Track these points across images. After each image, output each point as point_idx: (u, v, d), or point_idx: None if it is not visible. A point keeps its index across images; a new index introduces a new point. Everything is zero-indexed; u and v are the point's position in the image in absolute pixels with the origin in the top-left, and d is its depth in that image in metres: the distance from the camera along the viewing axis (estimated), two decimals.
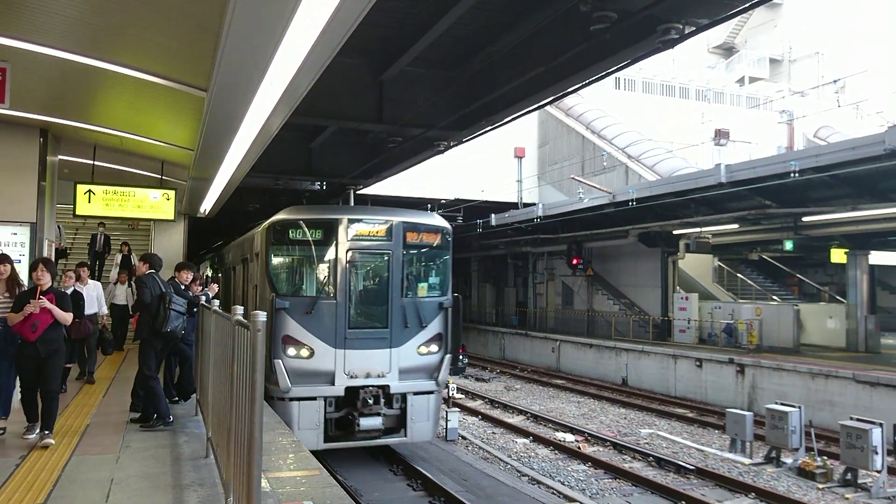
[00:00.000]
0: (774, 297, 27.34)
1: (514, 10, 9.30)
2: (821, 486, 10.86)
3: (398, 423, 10.28)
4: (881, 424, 10.64)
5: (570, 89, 10.40)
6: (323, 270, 10.36)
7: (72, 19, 5.24)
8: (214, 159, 8.92)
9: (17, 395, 6.71)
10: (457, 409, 15.02)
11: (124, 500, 4.78)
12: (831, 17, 42.79)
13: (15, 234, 8.51)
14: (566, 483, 11.04)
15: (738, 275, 28.69)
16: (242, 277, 12.85)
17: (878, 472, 10.54)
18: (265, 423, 3.36)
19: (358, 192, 17.85)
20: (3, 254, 6.64)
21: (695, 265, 25.46)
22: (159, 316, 7.05)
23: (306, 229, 10.18)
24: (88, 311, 9.30)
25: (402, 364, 10.21)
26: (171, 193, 11.35)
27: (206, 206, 14.16)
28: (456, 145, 13.56)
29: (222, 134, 7.31)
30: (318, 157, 15.89)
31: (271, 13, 4.02)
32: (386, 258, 10.39)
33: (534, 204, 26.43)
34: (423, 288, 10.90)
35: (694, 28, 7.83)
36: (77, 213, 10.98)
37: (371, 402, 9.90)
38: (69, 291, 8.35)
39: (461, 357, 13.39)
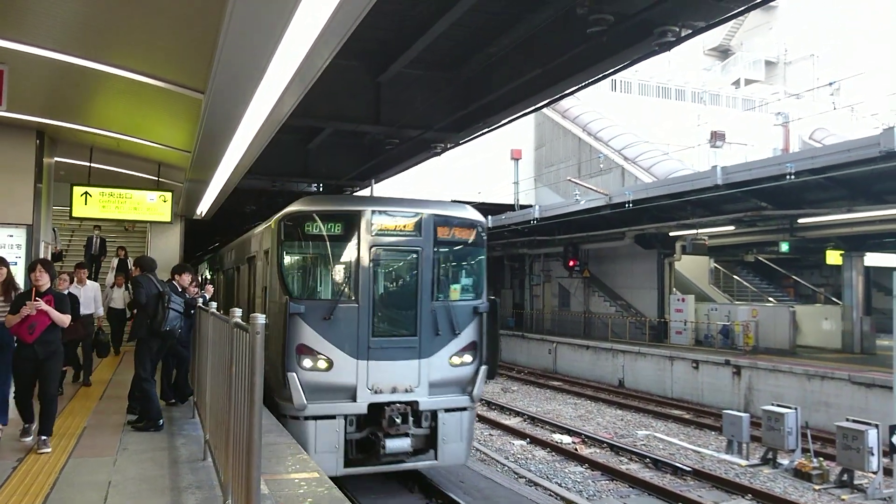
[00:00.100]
0: (770, 299, 27.43)
1: (511, 12, 9.32)
2: (817, 487, 10.88)
3: (427, 444, 9.03)
4: (877, 426, 10.66)
5: (567, 91, 10.43)
6: (342, 270, 9.04)
7: (69, 21, 5.24)
8: (211, 161, 8.93)
9: (11, 397, 6.67)
10: None
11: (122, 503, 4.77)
12: (826, 19, 42.98)
13: (11, 236, 8.50)
14: (563, 485, 11.04)
15: (735, 276, 28.76)
16: (248, 279, 11.56)
17: (874, 473, 10.56)
18: (262, 425, 3.35)
19: (354, 194, 17.83)
20: None
21: (691, 267, 25.51)
22: (158, 315, 7.03)
23: (323, 223, 8.90)
24: (85, 311, 9.28)
25: (433, 377, 8.93)
26: (168, 195, 11.35)
27: (203, 208, 14.15)
28: (453, 147, 13.58)
29: (219, 136, 7.32)
30: (315, 159, 15.88)
31: (269, 16, 4.03)
32: (415, 256, 9.06)
33: (530, 206, 26.46)
34: (455, 290, 9.57)
35: (690, 31, 7.88)
36: (74, 215, 10.96)
37: (398, 420, 8.59)
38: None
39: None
